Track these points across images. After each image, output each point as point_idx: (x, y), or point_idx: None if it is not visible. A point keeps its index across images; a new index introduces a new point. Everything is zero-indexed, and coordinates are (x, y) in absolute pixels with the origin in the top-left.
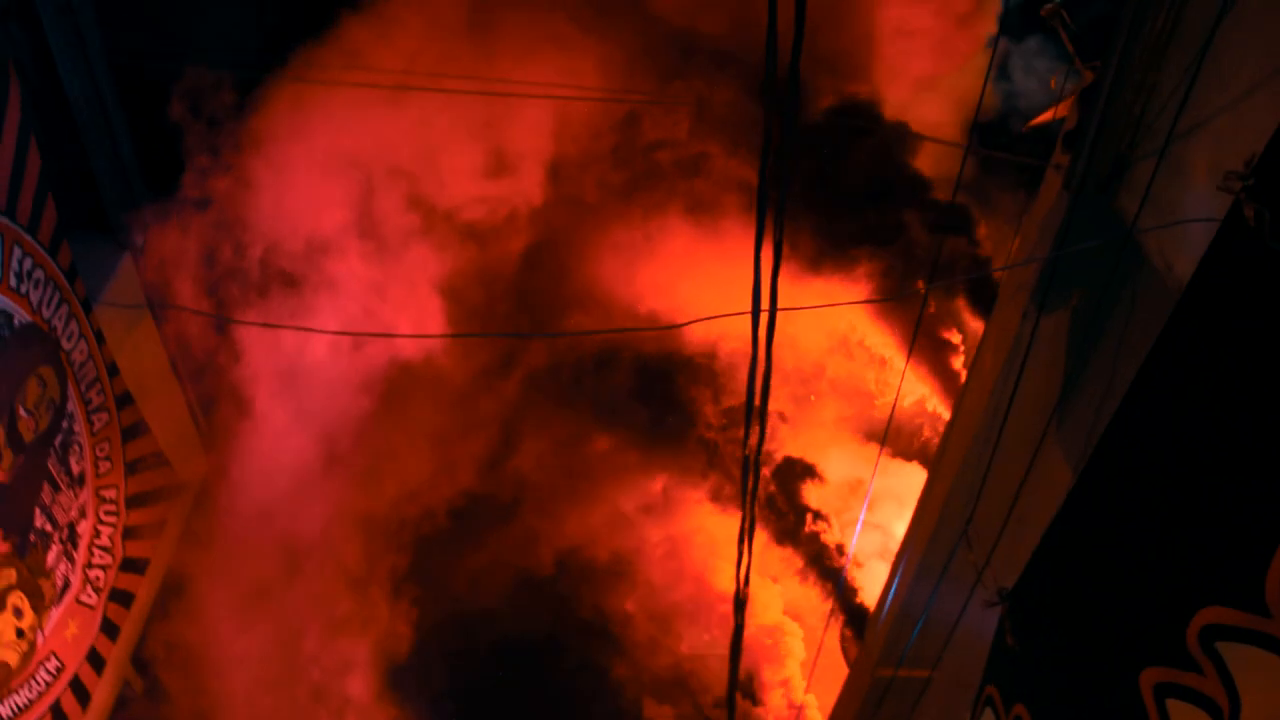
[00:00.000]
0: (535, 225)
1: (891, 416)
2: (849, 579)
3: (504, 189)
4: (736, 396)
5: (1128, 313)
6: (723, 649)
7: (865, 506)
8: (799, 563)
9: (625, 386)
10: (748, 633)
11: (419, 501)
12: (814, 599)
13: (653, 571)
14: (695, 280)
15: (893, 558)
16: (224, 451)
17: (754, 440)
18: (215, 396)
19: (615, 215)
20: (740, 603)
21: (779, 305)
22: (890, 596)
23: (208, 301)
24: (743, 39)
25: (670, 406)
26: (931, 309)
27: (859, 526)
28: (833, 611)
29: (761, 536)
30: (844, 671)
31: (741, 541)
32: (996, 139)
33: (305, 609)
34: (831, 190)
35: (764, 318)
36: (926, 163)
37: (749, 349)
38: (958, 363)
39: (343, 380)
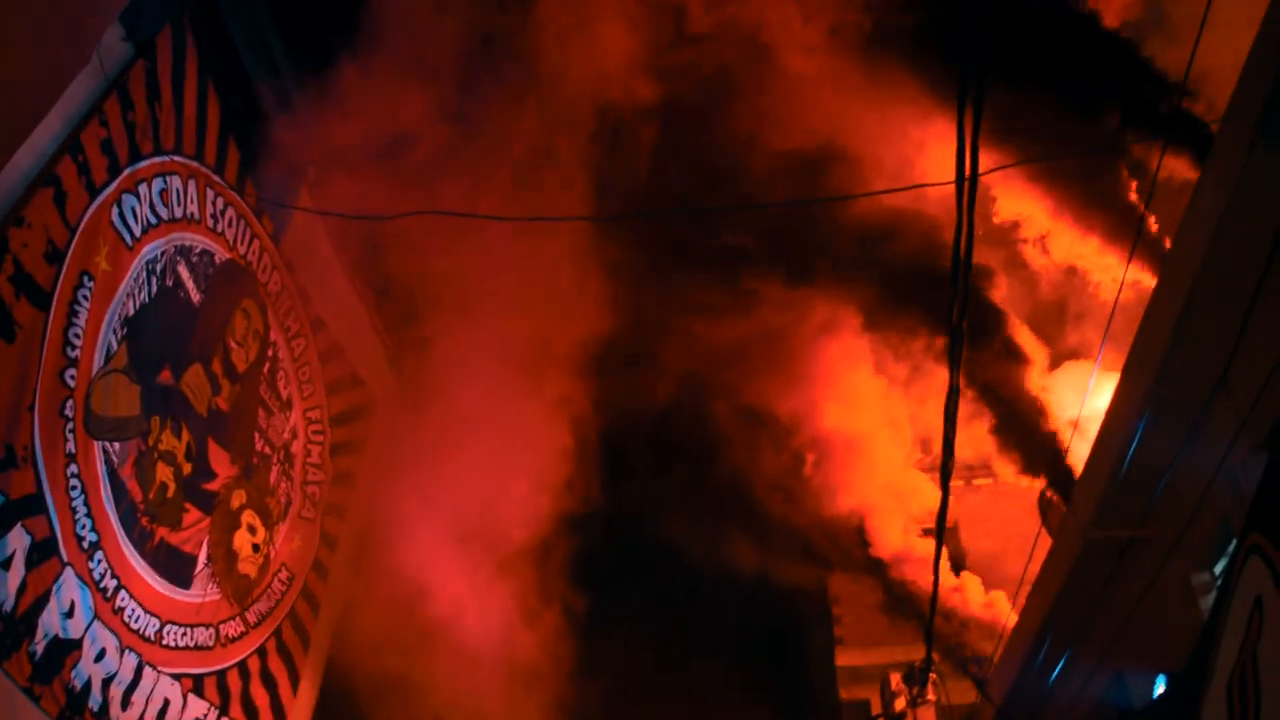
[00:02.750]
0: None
1: (1117, 303)
2: (1054, 442)
3: None
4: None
5: None
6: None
7: (1094, 374)
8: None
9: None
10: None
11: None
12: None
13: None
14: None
15: (1103, 415)
16: (410, 367)
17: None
18: (397, 314)
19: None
20: (946, 473)
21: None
22: (1113, 451)
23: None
24: None
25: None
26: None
27: (1089, 386)
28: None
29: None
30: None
31: (948, 404)
32: None
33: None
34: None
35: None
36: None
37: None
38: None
39: (518, 278)
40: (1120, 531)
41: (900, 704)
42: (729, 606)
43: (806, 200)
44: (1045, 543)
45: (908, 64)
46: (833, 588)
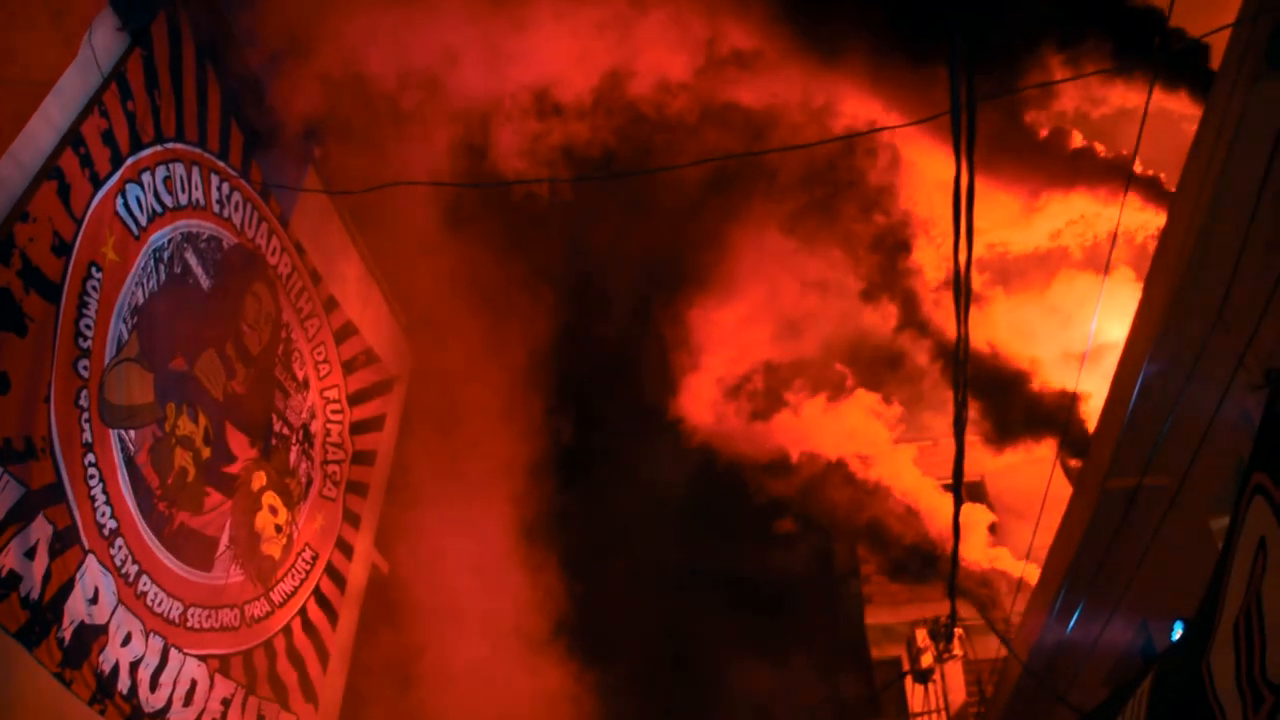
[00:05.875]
0: None
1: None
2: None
3: None
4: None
5: None
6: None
7: (1095, 320)
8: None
9: None
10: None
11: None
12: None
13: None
14: None
15: (1115, 364)
16: (426, 343)
17: (963, 255)
18: (412, 290)
19: None
20: (960, 425)
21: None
22: (1128, 397)
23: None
24: None
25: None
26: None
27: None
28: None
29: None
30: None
31: (957, 364)
32: None
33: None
34: None
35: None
36: None
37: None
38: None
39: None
40: (1138, 479)
41: (927, 659)
42: (759, 570)
43: (787, 148)
44: (1058, 491)
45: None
46: (860, 548)
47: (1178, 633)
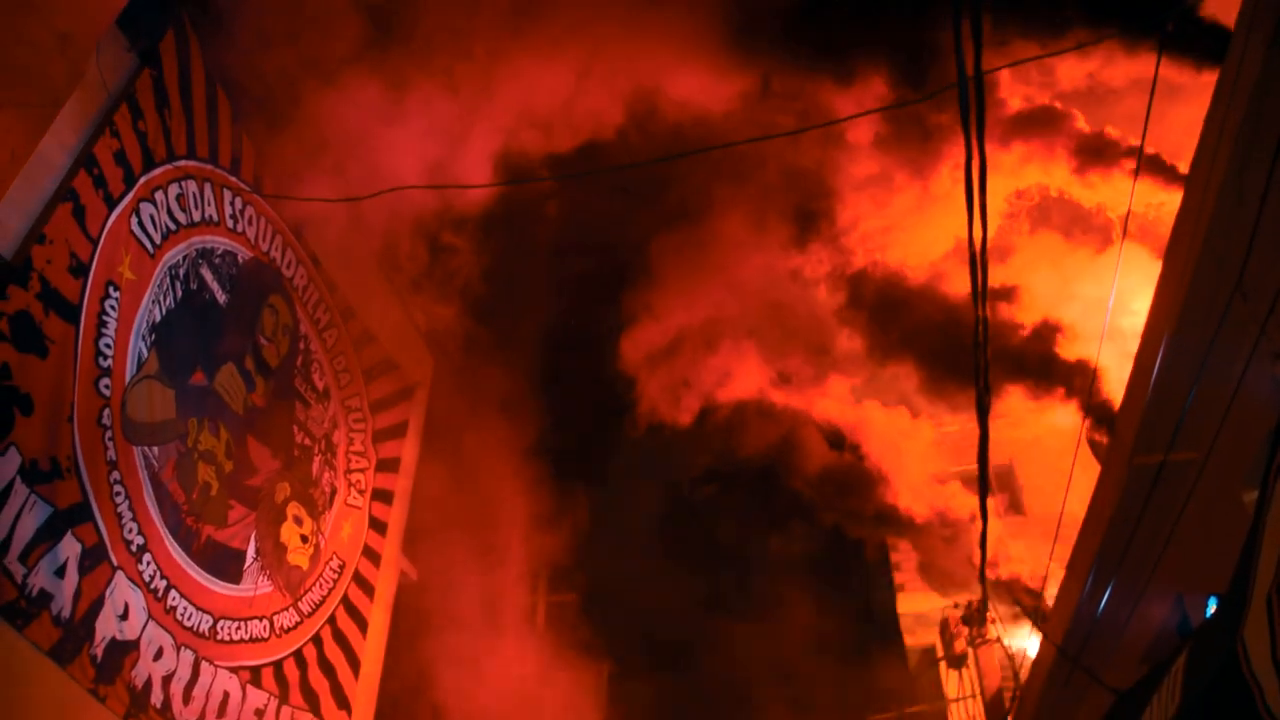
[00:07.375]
0: None
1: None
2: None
3: None
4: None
5: None
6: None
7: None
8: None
9: None
10: None
11: None
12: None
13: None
14: None
15: (1139, 339)
16: (446, 348)
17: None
18: (431, 296)
19: None
20: (983, 410)
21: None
22: (1151, 371)
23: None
24: None
25: None
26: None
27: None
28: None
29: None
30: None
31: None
32: None
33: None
34: None
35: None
36: None
37: None
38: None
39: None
40: (1164, 454)
41: (960, 645)
42: (794, 561)
43: (774, 134)
44: (1083, 470)
45: None
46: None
47: (1211, 609)
